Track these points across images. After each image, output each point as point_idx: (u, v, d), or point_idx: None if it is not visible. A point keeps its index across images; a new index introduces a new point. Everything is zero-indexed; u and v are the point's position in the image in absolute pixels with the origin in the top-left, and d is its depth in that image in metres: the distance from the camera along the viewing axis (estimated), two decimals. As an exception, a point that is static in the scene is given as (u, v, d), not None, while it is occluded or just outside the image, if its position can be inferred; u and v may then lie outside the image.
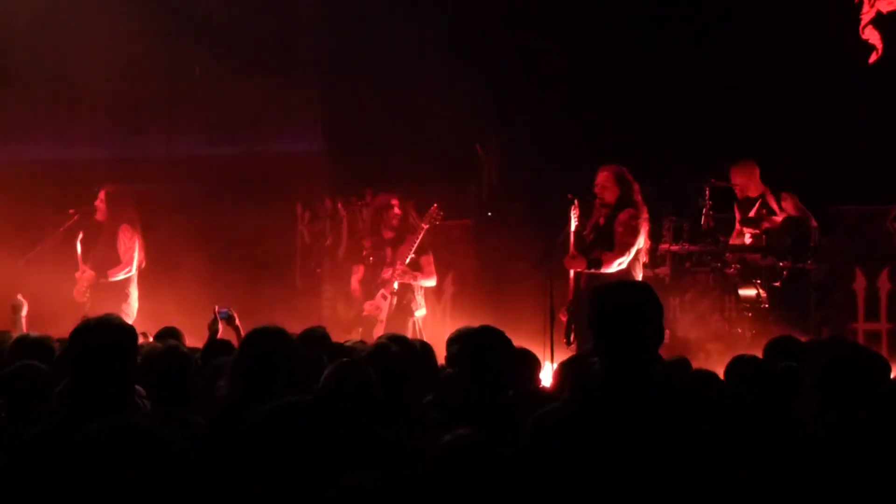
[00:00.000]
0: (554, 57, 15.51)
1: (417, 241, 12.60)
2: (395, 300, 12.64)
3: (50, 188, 14.53)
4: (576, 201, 11.73)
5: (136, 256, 13.23)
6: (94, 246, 13.23)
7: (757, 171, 13.49)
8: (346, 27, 16.10)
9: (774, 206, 13.31)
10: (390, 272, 12.61)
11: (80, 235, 13.10)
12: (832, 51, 14.65)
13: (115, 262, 13.12)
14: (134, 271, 13.24)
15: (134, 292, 13.24)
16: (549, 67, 15.47)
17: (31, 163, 15.46)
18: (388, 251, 12.76)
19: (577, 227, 11.70)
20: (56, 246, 13.37)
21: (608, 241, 11.56)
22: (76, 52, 14.95)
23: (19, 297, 11.06)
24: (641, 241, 11.64)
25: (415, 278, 12.61)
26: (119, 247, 13.18)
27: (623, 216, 11.56)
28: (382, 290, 12.68)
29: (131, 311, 13.12)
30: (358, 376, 5.65)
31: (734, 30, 15.20)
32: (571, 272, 11.66)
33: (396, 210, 12.85)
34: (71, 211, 13.41)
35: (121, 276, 13.13)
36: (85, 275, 12.98)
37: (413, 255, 12.78)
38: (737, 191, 13.57)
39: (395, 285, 12.59)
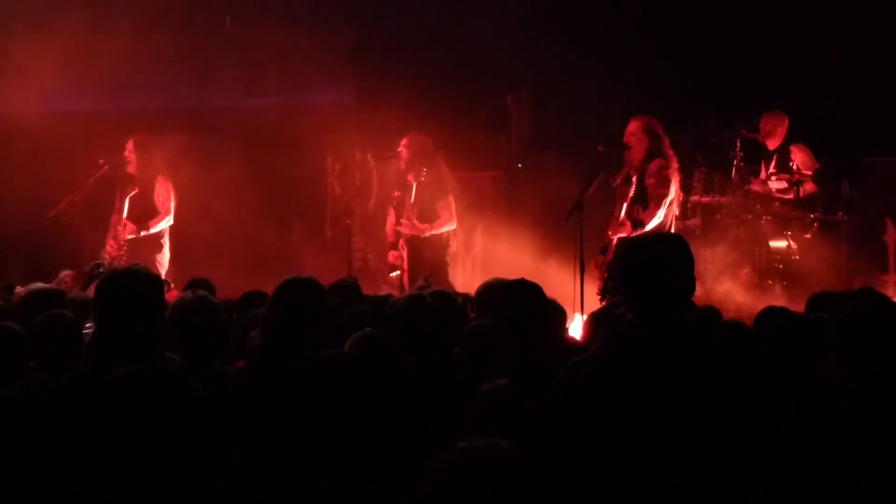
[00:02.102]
0: (585, 6, 15.45)
1: (374, 186, 12.55)
2: (406, 251, 12.58)
3: (81, 139, 14.53)
4: (634, 178, 11.63)
5: (173, 206, 13.24)
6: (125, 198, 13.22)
7: (786, 122, 13.44)
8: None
9: (792, 158, 13.30)
10: (403, 224, 12.55)
11: (135, 191, 13.07)
12: (865, 1, 14.56)
13: (153, 213, 13.12)
14: (172, 221, 13.24)
15: (167, 243, 13.25)
16: (580, 17, 15.40)
17: (62, 114, 15.47)
18: (408, 197, 12.68)
19: (631, 196, 11.62)
20: (86, 197, 13.39)
21: (641, 193, 11.52)
22: (110, 2, 14.97)
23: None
24: (673, 192, 11.59)
25: (422, 232, 12.47)
26: (156, 198, 13.16)
27: (653, 167, 11.50)
28: (401, 240, 12.66)
29: (165, 261, 13.14)
30: (379, 346, 5.69)
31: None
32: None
33: (401, 149, 12.70)
34: (101, 161, 13.41)
35: (161, 227, 13.14)
36: (126, 228, 12.96)
37: (397, 193, 12.73)
38: (762, 137, 13.53)
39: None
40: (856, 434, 4.15)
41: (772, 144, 13.51)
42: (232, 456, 4.93)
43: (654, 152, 11.53)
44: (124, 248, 12.90)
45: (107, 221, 13.21)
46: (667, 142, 11.65)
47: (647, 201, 11.47)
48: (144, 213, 13.12)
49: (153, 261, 12.73)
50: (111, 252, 12.87)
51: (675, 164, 11.62)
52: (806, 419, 4.87)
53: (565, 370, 4.65)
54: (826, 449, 4.69)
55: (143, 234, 12.98)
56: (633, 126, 11.63)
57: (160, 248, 13.16)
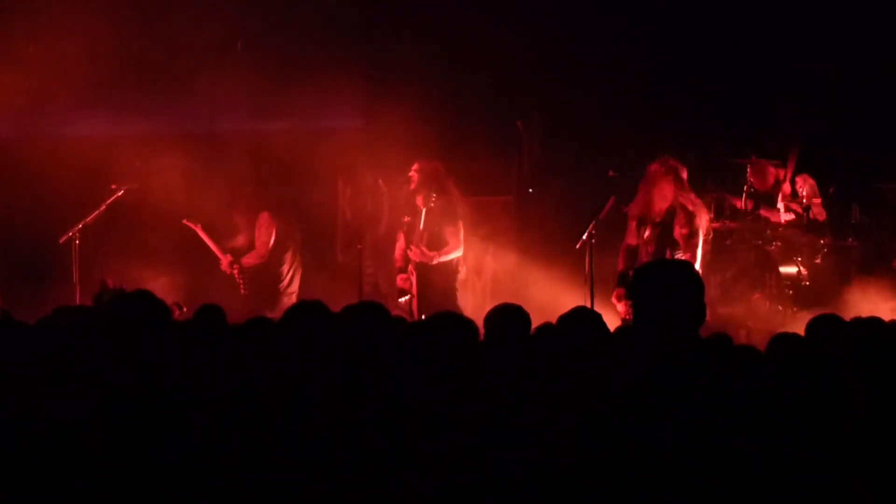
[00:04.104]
0: (595, 32, 15.47)
1: (385, 211, 12.69)
2: (415, 276, 12.58)
3: (91, 163, 14.54)
4: (656, 224, 11.67)
5: (270, 241, 13.53)
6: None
7: (768, 170, 13.56)
8: (389, 1, 16.14)
9: (798, 189, 13.35)
10: (412, 251, 12.55)
11: (271, 223, 13.43)
12: (872, 28, 14.56)
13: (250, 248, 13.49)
14: (265, 258, 13.52)
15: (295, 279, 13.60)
16: (590, 41, 15.43)
17: (72, 138, 15.50)
18: (418, 222, 12.69)
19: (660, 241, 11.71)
20: (98, 221, 13.43)
21: (669, 238, 11.60)
22: (121, 25, 15.01)
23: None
24: (702, 234, 11.69)
25: (430, 260, 12.47)
26: (258, 234, 13.52)
27: (680, 218, 11.60)
28: (410, 265, 12.66)
29: (294, 297, 13.45)
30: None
31: (776, 5, 15.16)
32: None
33: (412, 174, 12.74)
34: (113, 186, 13.46)
35: (254, 261, 13.47)
36: (226, 259, 13.35)
37: (407, 218, 12.78)
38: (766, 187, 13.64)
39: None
40: (863, 457, 4.16)
41: (771, 190, 13.62)
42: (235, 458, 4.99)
43: (675, 205, 11.64)
44: (242, 277, 13.23)
45: (118, 247, 13.33)
46: (685, 176, 11.72)
47: (675, 245, 11.54)
48: (249, 248, 13.67)
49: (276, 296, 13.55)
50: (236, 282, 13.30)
51: (701, 209, 11.73)
52: (815, 444, 4.87)
53: (572, 390, 4.68)
54: (835, 472, 4.70)
55: (234, 266, 13.30)
56: (662, 185, 11.68)
57: (282, 283, 13.71)
